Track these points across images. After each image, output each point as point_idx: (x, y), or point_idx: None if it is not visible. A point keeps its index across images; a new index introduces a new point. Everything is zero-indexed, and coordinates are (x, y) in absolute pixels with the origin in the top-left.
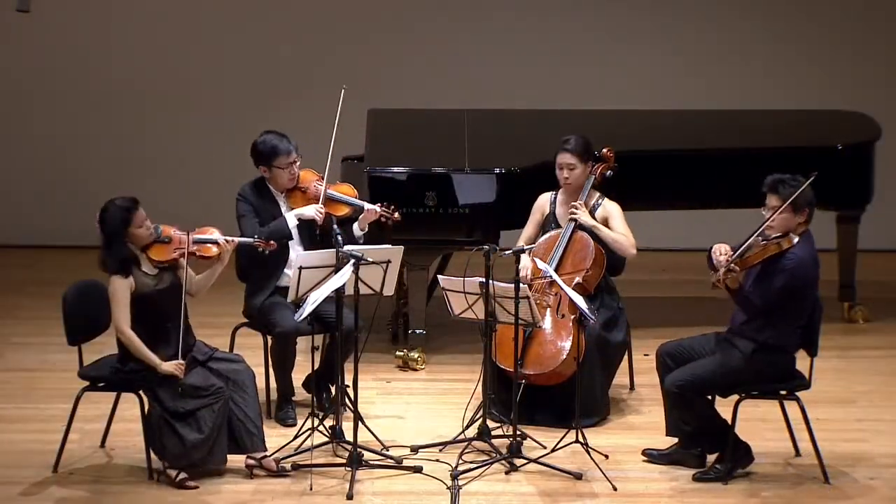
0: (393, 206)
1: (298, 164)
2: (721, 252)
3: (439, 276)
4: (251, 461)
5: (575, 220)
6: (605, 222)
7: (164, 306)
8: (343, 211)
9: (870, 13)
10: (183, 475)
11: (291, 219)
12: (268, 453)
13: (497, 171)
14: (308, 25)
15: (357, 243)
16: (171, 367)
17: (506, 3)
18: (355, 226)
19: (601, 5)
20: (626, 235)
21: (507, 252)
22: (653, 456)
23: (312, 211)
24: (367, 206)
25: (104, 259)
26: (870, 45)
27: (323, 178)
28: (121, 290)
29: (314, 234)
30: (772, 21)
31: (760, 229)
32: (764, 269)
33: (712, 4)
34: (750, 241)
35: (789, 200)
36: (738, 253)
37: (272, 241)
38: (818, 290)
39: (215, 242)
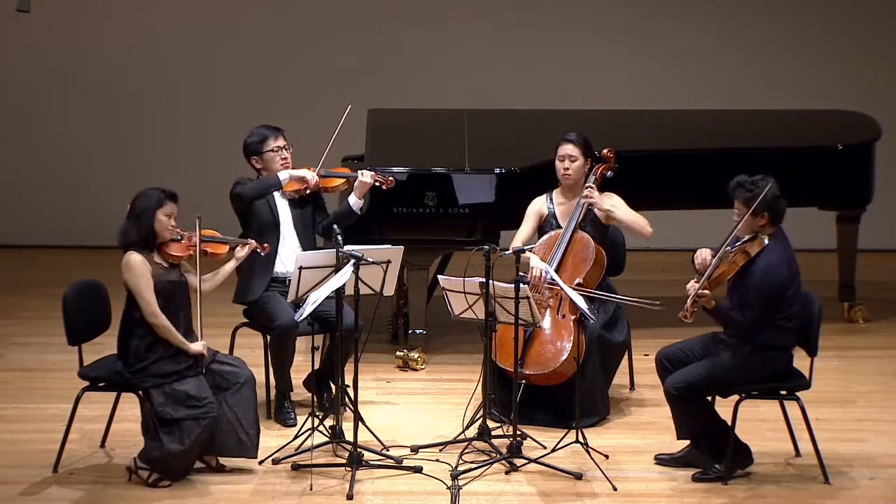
0: (387, 174)
1: (289, 150)
2: (702, 257)
3: (439, 276)
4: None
5: (589, 204)
6: (610, 214)
7: (174, 301)
8: (338, 182)
9: (870, 13)
10: (155, 475)
11: (284, 174)
12: (256, 461)
13: (497, 171)
14: (309, 26)
15: (356, 215)
16: (199, 346)
17: (506, 3)
18: (352, 196)
19: (601, 6)
20: (638, 216)
21: (507, 252)
22: (665, 461)
23: (307, 172)
24: (360, 172)
25: (125, 231)
26: (870, 45)
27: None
28: (143, 272)
29: (308, 222)
30: (772, 21)
31: (731, 236)
32: (739, 281)
33: (712, 4)
34: (720, 253)
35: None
36: (706, 275)
37: (266, 245)
38: (800, 283)
39: (224, 242)
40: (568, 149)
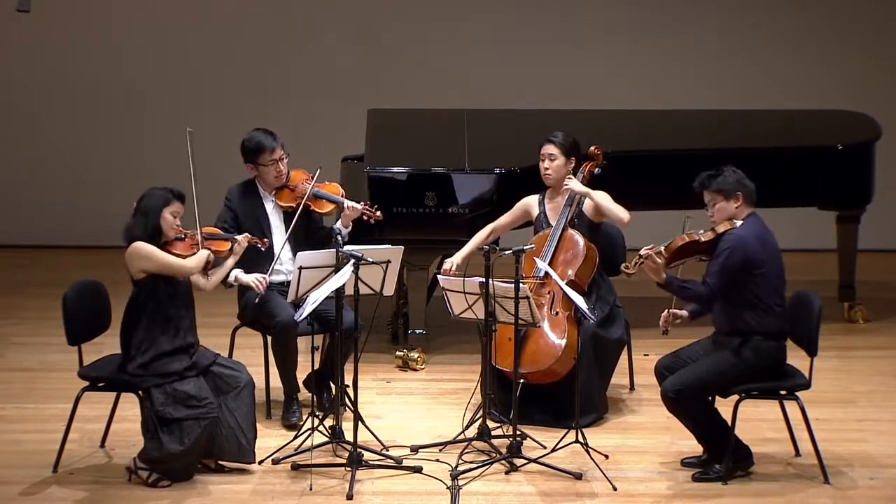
0: (375, 206)
1: (286, 161)
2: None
3: (439, 276)
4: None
5: (570, 190)
6: (588, 197)
7: (178, 298)
8: (327, 208)
9: (871, 13)
10: (155, 475)
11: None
12: (254, 464)
13: (497, 171)
14: (309, 26)
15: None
16: (202, 255)
17: (506, 3)
18: (338, 224)
19: (601, 6)
20: (616, 205)
21: (507, 252)
22: (692, 464)
23: (252, 279)
24: (347, 203)
25: (131, 228)
26: (870, 45)
27: (312, 178)
28: (152, 248)
29: (300, 236)
30: (772, 21)
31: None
32: (713, 258)
33: (712, 4)
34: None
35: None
36: (665, 244)
37: (265, 240)
38: (780, 267)
39: (226, 239)
40: (549, 148)
